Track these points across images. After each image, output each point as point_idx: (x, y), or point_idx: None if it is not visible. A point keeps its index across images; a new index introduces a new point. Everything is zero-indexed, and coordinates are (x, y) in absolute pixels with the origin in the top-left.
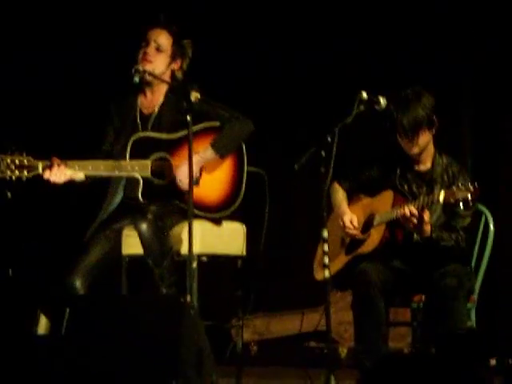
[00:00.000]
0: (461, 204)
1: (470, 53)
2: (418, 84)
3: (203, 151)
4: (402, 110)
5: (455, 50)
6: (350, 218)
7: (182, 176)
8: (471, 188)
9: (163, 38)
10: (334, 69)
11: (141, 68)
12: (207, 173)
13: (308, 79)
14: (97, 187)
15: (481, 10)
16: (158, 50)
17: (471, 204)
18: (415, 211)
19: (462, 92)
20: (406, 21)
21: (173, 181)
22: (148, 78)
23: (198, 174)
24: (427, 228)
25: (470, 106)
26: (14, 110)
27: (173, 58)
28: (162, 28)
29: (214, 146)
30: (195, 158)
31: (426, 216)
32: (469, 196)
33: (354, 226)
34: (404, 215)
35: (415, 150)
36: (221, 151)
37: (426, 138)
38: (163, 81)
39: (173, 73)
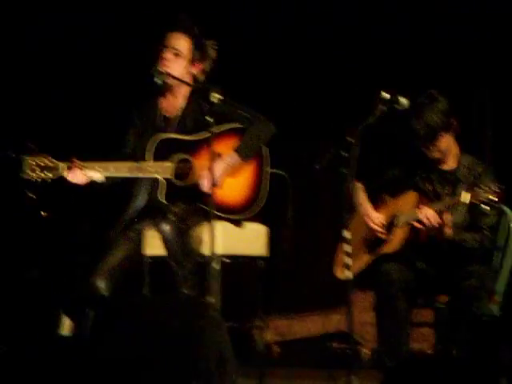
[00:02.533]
0: (485, 205)
1: (491, 54)
2: (439, 84)
3: (228, 157)
4: (416, 118)
5: (476, 50)
6: (377, 215)
7: (204, 178)
8: (496, 188)
9: (182, 43)
10: (356, 69)
11: (162, 69)
12: (230, 175)
13: (330, 79)
14: (121, 189)
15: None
16: (176, 55)
17: (496, 204)
18: (434, 214)
19: (485, 92)
20: (429, 21)
21: (195, 182)
22: (168, 80)
23: (220, 177)
24: (448, 230)
25: (493, 105)
26: (38, 112)
27: (192, 62)
28: (182, 32)
29: (238, 151)
30: (220, 165)
31: (447, 218)
32: (494, 197)
33: (381, 223)
34: (422, 218)
35: (436, 155)
36: (245, 155)
37: (445, 142)
38: (184, 82)
39: (194, 76)
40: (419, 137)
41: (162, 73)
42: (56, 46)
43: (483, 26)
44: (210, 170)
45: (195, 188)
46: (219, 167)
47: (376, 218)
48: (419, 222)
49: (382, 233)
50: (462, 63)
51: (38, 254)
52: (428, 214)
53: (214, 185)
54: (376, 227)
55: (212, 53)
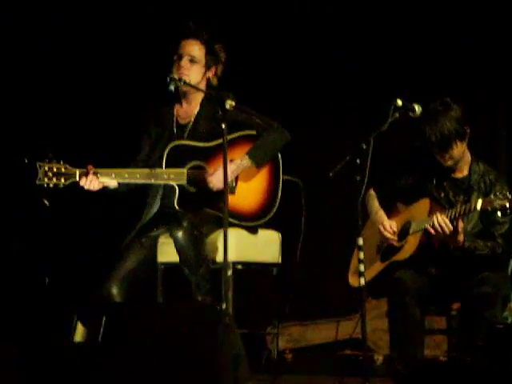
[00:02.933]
0: (499, 212)
1: (503, 58)
2: (452, 91)
3: (240, 160)
4: (429, 126)
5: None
6: (390, 223)
7: (212, 179)
8: (509, 196)
9: (196, 49)
10: (371, 76)
11: (176, 76)
12: (243, 181)
13: (344, 87)
14: (136, 196)
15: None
16: (192, 61)
17: (509, 212)
18: (447, 221)
19: (498, 99)
20: (441, 26)
21: (209, 189)
22: (183, 87)
23: (233, 183)
24: (460, 238)
25: (506, 113)
26: (52, 119)
27: (207, 67)
28: (194, 38)
29: (250, 155)
30: (231, 167)
31: (460, 226)
32: (507, 204)
33: (393, 231)
34: (435, 225)
35: (449, 163)
36: (257, 160)
37: (459, 150)
38: (198, 89)
39: (208, 80)
40: (433, 145)
41: (176, 80)
42: (73, 53)
43: (494, 29)
44: (224, 176)
45: (209, 195)
46: (229, 170)
47: (389, 226)
48: (432, 228)
49: (394, 240)
50: (474, 69)
51: (52, 261)
52: (440, 221)
53: (227, 191)
54: (388, 235)
55: (222, 56)
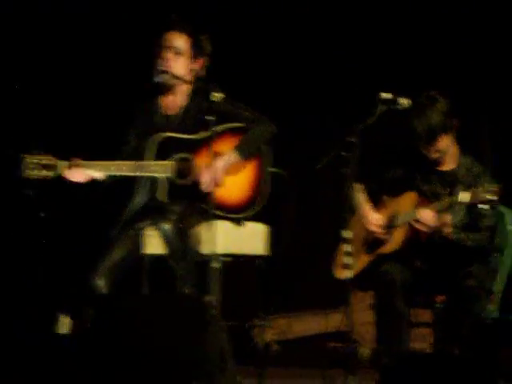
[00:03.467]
0: (485, 205)
1: (489, 54)
2: (438, 85)
3: (227, 155)
4: (416, 118)
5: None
6: (376, 216)
7: (205, 178)
8: (495, 189)
9: (181, 41)
10: (357, 69)
11: (163, 68)
12: (230, 174)
13: (331, 79)
14: (122, 188)
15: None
16: (177, 53)
17: (495, 204)
18: (432, 214)
19: (483, 93)
20: (426, 21)
21: (195, 181)
22: (170, 80)
23: (220, 175)
24: (447, 230)
25: (491, 106)
26: (38, 111)
27: (193, 58)
28: (178, 30)
29: (238, 149)
30: (220, 163)
31: (447, 218)
32: (493, 197)
33: (379, 224)
34: (421, 219)
35: (435, 156)
36: (245, 154)
37: (445, 143)
38: (185, 82)
39: (195, 72)
40: (419, 137)
41: (163, 72)
42: (58, 45)
43: (481, 26)
44: (210, 167)
45: (196, 187)
46: (219, 165)
47: (375, 220)
48: (418, 222)
49: (380, 233)
50: (460, 63)
51: (37, 252)
52: (426, 215)
53: (213, 183)
54: (373, 228)
55: (208, 47)
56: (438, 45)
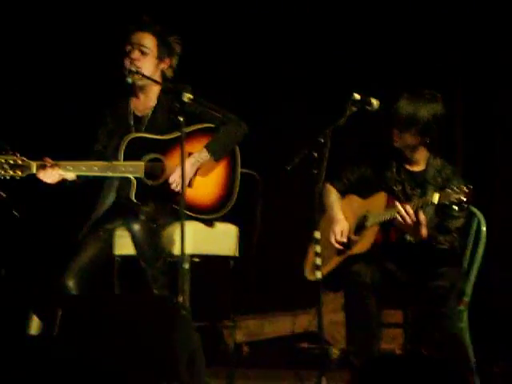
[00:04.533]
0: (455, 206)
1: (462, 53)
2: (408, 85)
3: (198, 153)
4: (407, 101)
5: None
6: (342, 228)
7: (175, 177)
8: (465, 190)
9: (147, 41)
10: (327, 70)
11: (133, 68)
12: (200, 175)
13: (302, 79)
14: (90, 188)
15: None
16: (143, 53)
17: (465, 206)
18: (411, 211)
19: (455, 95)
20: (394, 20)
21: (166, 182)
22: (139, 81)
23: (191, 176)
24: (423, 230)
25: (463, 109)
26: (8, 111)
27: (160, 58)
28: (145, 31)
29: (208, 148)
30: (190, 160)
31: (422, 218)
32: (463, 198)
33: (343, 236)
34: (399, 214)
35: (396, 144)
36: (216, 154)
37: (411, 140)
38: (155, 82)
39: (163, 72)
40: (397, 117)
41: (133, 72)
42: (28, 44)
43: (453, 21)
44: (180, 167)
45: (166, 187)
46: (189, 164)
47: (340, 231)
48: (394, 220)
49: (341, 244)
50: (431, 62)
51: (5, 253)
52: (408, 209)
53: (184, 183)
54: (333, 241)
55: (177, 48)
56: (410, 46)
